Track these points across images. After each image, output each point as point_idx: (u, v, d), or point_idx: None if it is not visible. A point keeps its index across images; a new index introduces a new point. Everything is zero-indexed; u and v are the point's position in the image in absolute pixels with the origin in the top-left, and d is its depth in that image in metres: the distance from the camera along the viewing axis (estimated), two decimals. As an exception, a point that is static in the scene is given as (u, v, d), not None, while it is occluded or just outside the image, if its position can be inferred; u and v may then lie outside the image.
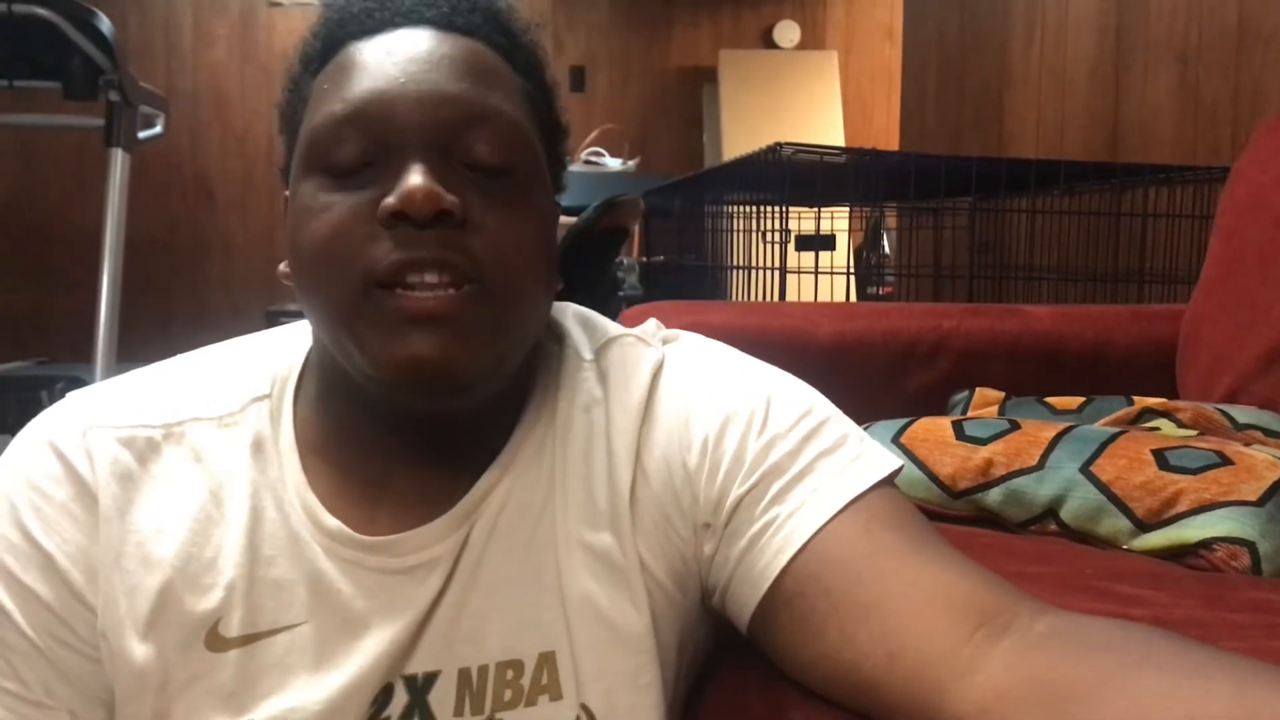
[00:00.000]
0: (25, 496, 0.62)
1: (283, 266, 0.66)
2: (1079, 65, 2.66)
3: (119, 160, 2.64)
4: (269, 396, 0.68)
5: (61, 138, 4.52)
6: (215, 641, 0.62)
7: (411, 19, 0.64)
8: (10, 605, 0.61)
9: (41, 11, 2.37)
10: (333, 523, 0.64)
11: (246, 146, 5.02)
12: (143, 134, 2.80)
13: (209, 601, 0.62)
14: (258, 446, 0.66)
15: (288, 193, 0.66)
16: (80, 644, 0.62)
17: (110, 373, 2.50)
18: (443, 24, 0.64)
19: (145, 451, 0.64)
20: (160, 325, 4.67)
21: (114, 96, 2.57)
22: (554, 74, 0.71)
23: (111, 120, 2.62)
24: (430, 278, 0.58)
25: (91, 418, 0.65)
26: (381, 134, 0.60)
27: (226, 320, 4.83)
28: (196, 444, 0.65)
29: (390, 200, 0.58)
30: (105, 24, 2.48)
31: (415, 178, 0.58)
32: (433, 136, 0.60)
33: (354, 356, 0.60)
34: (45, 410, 0.66)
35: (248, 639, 0.62)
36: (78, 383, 2.51)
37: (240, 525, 0.63)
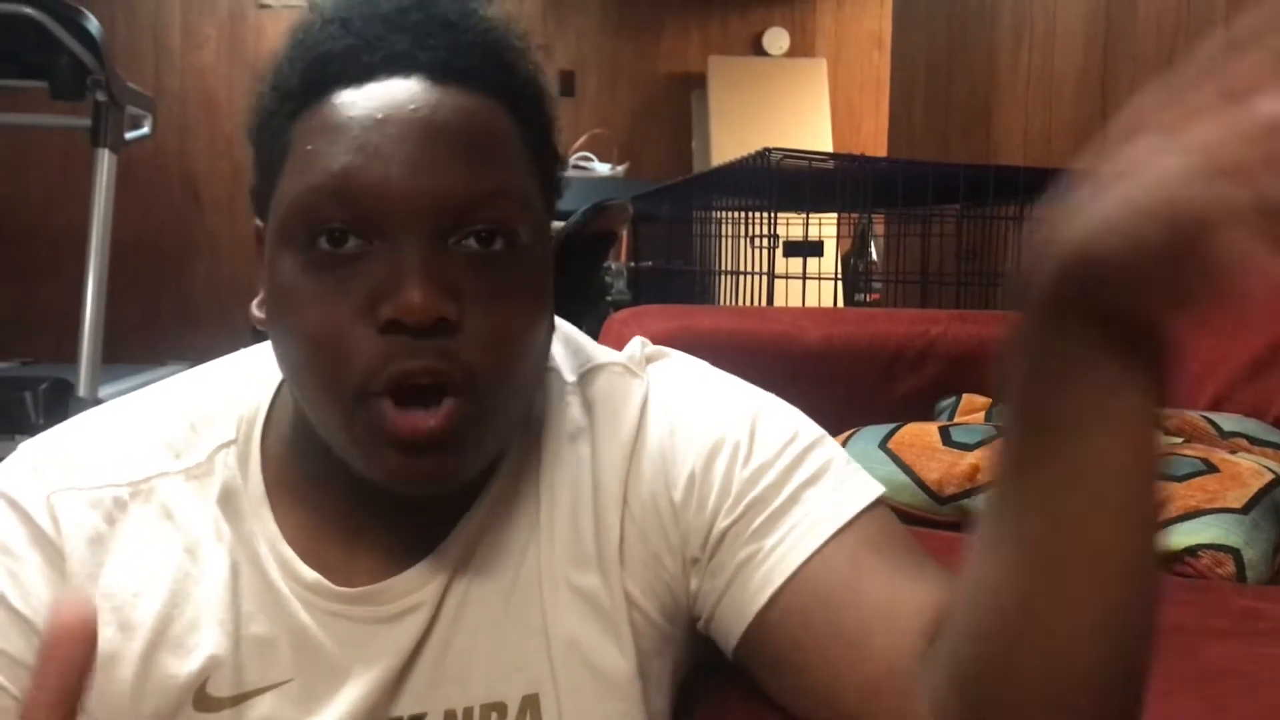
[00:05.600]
0: None
1: (256, 310, 0.63)
2: (1067, 74, 2.67)
3: (105, 161, 2.63)
4: (235, 442, 0.65)
5: (47, 138, 4.49)
6: (205, 701, 0.61)
7: (404, 65, 0.57)
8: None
9: (28, 10, 2.36)
10: (310, 575, 0.62)
11: (234, 148, 4.98)
12: (130, 135, 2.79)
13: (193, 663, 0.60)
14: (228, 498, 0.63)
15: (259, 223, 0.62)
16: None
17: (95, 374, 2.49)
18: (439, 72, 0.58)
19: (113, 512, 0.62)
20: (146, 326, 4.65)
21: (101, 97, 2.57)
22: (554, 101, 0.65)
23: (98, 120, 2.61)
24: (424, 380, 0.56)
25: (54, 480, 0.61)
26: (373, 216, 0.55)
27: (212, 322, 4.81)
28: (166, 500, 0.62)
29: (388, 310, 0.55)
30: (93, 24, 2.47)
31: (414, 285, 0.54)
32: (431, 222, 0.56)
33: (348, 451, 0.59)
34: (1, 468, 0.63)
35: (238, 699, 0.61)
36: (62, 384, 2.49)
37: (220, 581, 0.61)
